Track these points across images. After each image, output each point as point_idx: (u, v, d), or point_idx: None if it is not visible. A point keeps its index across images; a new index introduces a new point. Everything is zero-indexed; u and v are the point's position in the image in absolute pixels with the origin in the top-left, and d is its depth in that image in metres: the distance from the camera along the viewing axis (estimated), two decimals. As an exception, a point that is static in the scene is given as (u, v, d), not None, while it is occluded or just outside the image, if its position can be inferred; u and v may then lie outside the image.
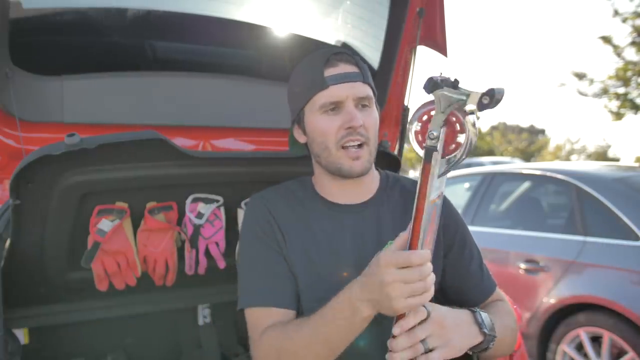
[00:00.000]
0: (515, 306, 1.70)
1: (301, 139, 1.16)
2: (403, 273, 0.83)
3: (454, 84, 0.86)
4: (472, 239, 1.22)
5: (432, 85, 0.86)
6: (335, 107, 1.07)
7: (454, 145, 0.88)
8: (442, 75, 0.88)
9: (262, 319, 1.05)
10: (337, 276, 1.07)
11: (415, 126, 0.92)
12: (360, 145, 1.07)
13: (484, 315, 1.01)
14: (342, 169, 1.08)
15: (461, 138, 0.88)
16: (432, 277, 0.85)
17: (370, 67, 1.96)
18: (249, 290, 1.09)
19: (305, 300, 1.08)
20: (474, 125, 0.90)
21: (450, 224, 1.18)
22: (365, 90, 1.08)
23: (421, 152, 0.90)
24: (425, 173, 0.88)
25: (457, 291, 1.18)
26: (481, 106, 0.84)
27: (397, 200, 1.17)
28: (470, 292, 1.19)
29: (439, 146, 0.86)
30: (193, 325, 1.90)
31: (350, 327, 0.92)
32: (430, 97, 0.88)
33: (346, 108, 1.07)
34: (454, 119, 0.87)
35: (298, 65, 1.15)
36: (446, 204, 1.20)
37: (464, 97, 0.85)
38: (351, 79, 1.07)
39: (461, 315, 0.99)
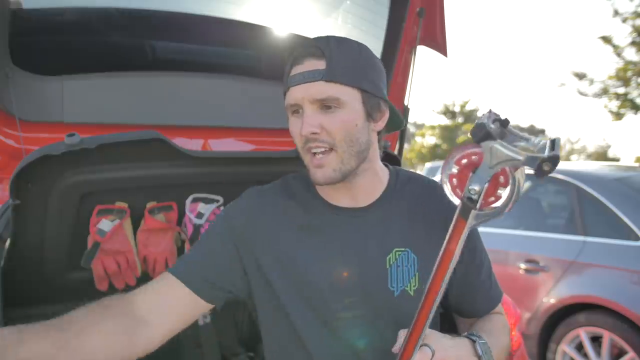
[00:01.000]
0: (513, 306, 1.70)
1: None
2: None
3: (504, 123, 0.74)
4: (483, 247, 1.16)
5: (483, 134, 0.72)
6: (296, 109, 1.00)
7: (493, 198, 0.76)
8: (490, 112, 0.75)
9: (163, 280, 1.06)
10: (326, 279, 1.03)
11: (452, 168, 0.79)
12: (325, 152, 0.98)
13: (482, 345, 0.98)
14: (311, 175, 1.02)
15: (504, 191, 0.75)
16: None
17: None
18: (180, 260, 1.10)
19: (288, 299, 1.05)
20: (522, 176, 0.77)
21: None
22: (326, 90, 0.96)
23: (454, 201, 0.78)
24: (457, 229, 0.77)
25: (461, 300, 1.14)
26: (540, 172, 0.71)
27: (408, 202, 1.09)
28: (475, 303, 1.15)
29: (479, 202, 0.74)
30: (193, 325, 1.89)
31: None
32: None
33: (303, 112, 0.98)
34: (499, 169, 0.74)
35: None
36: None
37: (520, 158, 0.71)
38: (309, 79, 0.96)
39: (462, 347, 0.96)
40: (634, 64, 10.20)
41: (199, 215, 1.44)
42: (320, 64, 0.97)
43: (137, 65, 1.72)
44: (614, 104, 10.82)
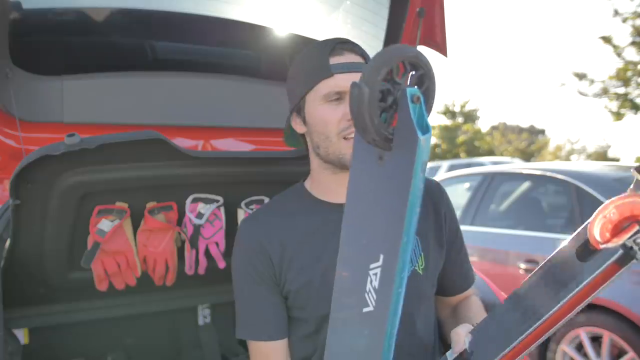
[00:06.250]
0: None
1: (299, 129, 1.12)
2: None
3: None
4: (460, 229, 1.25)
5: None
6: (339, 97, 1.03)
7: None
8: None
9: (256, 350, 1.12)
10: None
11: (610, 213, 0.80)
12: None
13: None
14: (344, 159, 1.03)
15: None
16: None
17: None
18: (243, 322, 1.12)
19: (311, 311, 1.08)
20: None
21: (449, 214, 1.20)
22: None
23: (595, 234, 0.80)
24: (608, 272, 0.78)
25: (444, 279, 1.20)
26: None
27: None
28: (455, 282, 1.23)
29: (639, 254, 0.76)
30: (193, 325, 1.90)
31: None
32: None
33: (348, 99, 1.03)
34: None
35: (301, 53, 1.11)
36: (444, 193, 1.21)
37: None
38: (357, 69, 1.03)
39: None
40: (634, 64, 10.21)
41: (199, 215, 1.44)
42: (358, 58, 1.06)
43: (137, 65, 1.72)
44: (614, 104, 10.84)
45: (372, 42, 1.90)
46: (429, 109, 0.74)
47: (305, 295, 1.07)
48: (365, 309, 0.72)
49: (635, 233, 0.75)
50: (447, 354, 0.94)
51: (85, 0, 1.66)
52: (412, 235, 0.68)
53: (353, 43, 1.08)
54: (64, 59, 1.64)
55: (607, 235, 0.79)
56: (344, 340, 0.79)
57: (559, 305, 0.82)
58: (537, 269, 0.90)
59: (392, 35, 1.83)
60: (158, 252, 1.42)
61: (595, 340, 2.89)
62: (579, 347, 2.96)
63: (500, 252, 3.46)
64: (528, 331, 0.82)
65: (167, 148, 1.19)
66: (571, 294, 0.81)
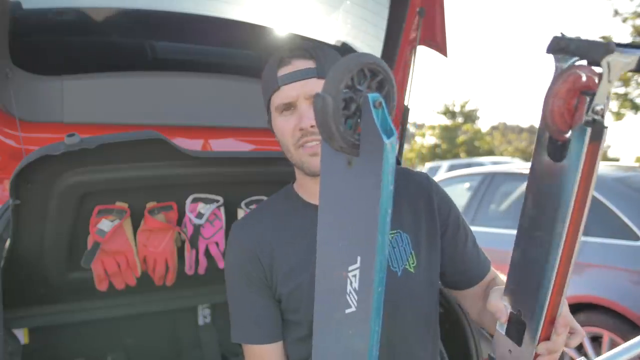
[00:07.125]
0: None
1: (276, 139, 1.15)
2: None
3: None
4: (463, 218, 1.22)
5: (604, 50, 0.66)
6: (288, 107, 1.05)
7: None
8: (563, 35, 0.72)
9: (249, 353, 1.11)
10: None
11: (555, 103, 0.73)
12: (318, 144, 1.01)
13: None
14: (304, 167, 1.05)
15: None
16: None
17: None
18: (237, 326, 1.12)
19: (304, 314, 1.08)
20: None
21: (443, 205, 1.18)
22: (320, 86, 1.01)
23: (559, 128, 0.73)
24: (591, 155, 0.73)
25: (456, 272, 1.18)
26: None
27: (402, 194, 1.13)
28: (470, 272, 1.18)
29: (604, 119, 0.70)
30: (193, 325, 1.90)
31: None
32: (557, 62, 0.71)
33: (298, 108, 1.04)
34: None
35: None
36: (434, 184, 1.20)
37: (630, 60, 0.67)
38: (302, 77, 1.03)
39: None
40: (634, 64, 10.21)
41: (199, 215, 1.44)
42: (309, 64, 1.04)
43: (137, 65, 1.72)
44: (614, 104, 10.83)
45: (372, 42, 1.90)
46: (391, 111, 0.75)
47: (298, 298, 1.07)
48: (348, 310, 0.74)
49: (590, 103, 0.70)
50: (497, 327, 0.86)
51: (85, 0, 1.66)
52: (387, 235, 0.69)
53: (305, 47, 1.06)
54: (64, 59, 1.64)
55: (566, 121, 0.73)
56: (329, 342, 0.80)
57: (570, 207, 0.75)
58: (524, 197, 0.82)
59: (392, 35, 1.83)
60: (158, 252, 1.42)
61: (595, 340, 2.90)
62: (579, 347, 2.96)
63: (501, 252, 3.44)
64: (559, 251, 0.76)
65: (167, 148, 1.19)
66: (573, 195, 0.74)
